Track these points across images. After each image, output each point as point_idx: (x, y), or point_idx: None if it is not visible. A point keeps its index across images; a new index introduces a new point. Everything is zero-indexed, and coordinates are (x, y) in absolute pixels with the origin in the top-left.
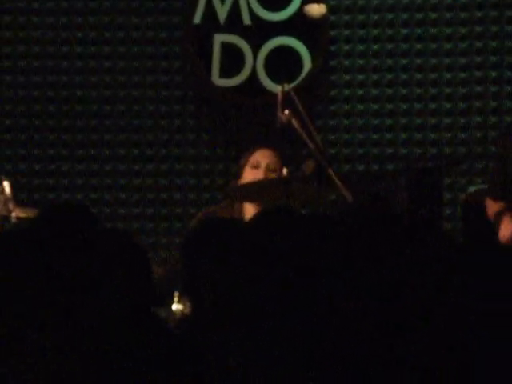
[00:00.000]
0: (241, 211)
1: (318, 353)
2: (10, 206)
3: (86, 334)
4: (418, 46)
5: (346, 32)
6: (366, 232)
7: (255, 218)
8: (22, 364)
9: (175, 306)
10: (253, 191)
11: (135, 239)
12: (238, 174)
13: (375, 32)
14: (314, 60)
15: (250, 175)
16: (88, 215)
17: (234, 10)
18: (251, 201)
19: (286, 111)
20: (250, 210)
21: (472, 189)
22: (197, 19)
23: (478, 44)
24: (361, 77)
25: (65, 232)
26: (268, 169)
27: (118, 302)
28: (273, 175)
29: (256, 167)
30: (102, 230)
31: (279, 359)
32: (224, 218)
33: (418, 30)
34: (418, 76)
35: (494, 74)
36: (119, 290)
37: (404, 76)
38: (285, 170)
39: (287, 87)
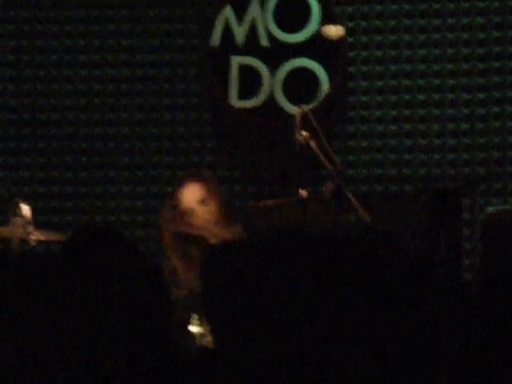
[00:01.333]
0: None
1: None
2: (29, 228)
3: (104, 360)
4: (436, 66)
5: (364, 53)
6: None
7: (273, 238)
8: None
9: (195, 329)
10: (270, 212)
11: (153, 261)
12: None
13: (393, 53)
14: (331, 81)
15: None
16: (118, 239)
17: (252, 32)
18: (268, 222)
19: (304, 132)
20: (239, 231)
21: (491, 209)
22: (214, 41)
23: (496, 64)
24: (379, 98)
25: (95, 257)
26: (198, 202)
27: (131, 324)
28: (207, 206)
29: (185, 212)
30: (119, 253)
31: (298, 378)
32: (243, 239)
33: (436, 51)
34: (436, 97)
35: (511, 93)
36: (133, 312)
37: (421, 96)
38: (303, 192)
39: (305, 108)
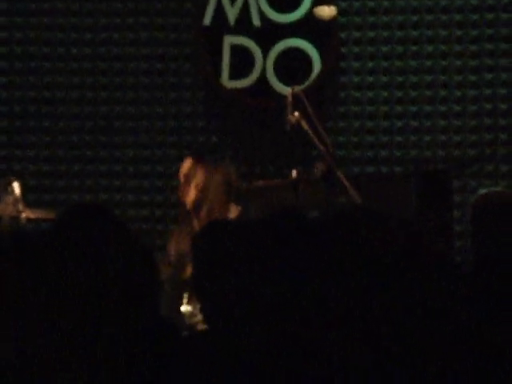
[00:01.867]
0: (224, 212)
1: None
2: (20, 206)
3: (93, 336)
4: (428, 48)
5: (356, 34)
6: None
7: (264, 219)
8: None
9: (184, 308)
10: (261, 193)
11: (143, 240)
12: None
13: (385, 34)
14: (323, 62)
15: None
16: (110, 217)
17: (244, 12)
18: (259, 203)
19: (296, 113)
20: (234, 212)
21: (482, 191)
22: (206, 21)
23: (488, 46)
24: (370, 79)
25: (85, 234)
26: (184, 179)
27: (123, 303)
28: (185, 182)
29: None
30: (107, 231)
31: (287, 359)
32: (232, 220)
33: (428, 32)
34: (428, 78)
35: (504, 76)
36: (125, 292)
37: (413, 78)
38: (294, 173)
39: (297, 89)
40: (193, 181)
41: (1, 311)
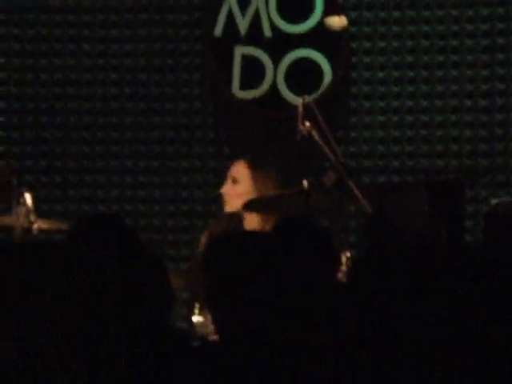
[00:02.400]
0: (242, 222)
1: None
2: (32, 217)
3: (105, 346)
4: (439, 57)
5: (367, 44)
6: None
7: (275, 229)
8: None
9: (196, 318)
10: (273, 203)
11: (154, 250)
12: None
13: (396, 44)
14: (334, 72)
15: (230, 190)
16: (123, 227)
17: (255, 22)
18: (270, 213)
19: (307, 123)
20: (252, 221)
21: (494, 201)
22: (217, 31)
23: (501, 56)
24: (381, 89)
25: (99, 243)
26: (248, 182)
27: (135, 314)
28: (256, 187)
29: (235, 183)
30: (121, 242)
31: (299, 370)
32: (244, 230)
33: (439, 42)
34: (439, 88)
35: None
36: (128, 298)
37: (425, 88)
38: (305, 182)
39: (308, 99)
40: (241, 186)
41: (2, 311)
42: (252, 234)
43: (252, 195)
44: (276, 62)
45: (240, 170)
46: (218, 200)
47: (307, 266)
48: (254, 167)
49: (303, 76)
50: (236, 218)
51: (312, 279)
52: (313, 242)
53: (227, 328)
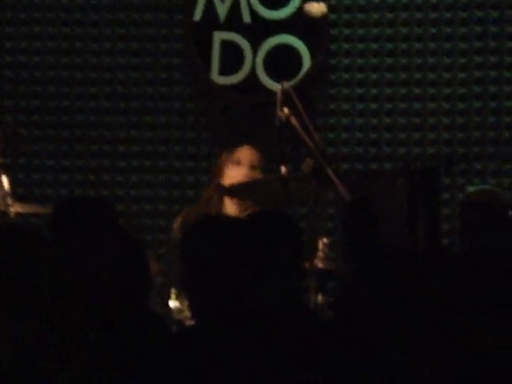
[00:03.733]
0: (220, 208)
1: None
2: (9, 200)
3: (80, 328)
4: (418, 45)
5: (346, 31)
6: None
7: (253, 216)
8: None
9: (172, 303)
10: (251, 189)
11: (133, 235)
12: (219, 172)
13: (375, 31)
14: (313, 58)
15: (232, 171)
16: (108, 210)
17: (234, 8)
18: (248, 199)
19: (285, 109)
20: (230, 207)
21: (471, 189)
22: (197, 16)
23: (478, 44)
24: (360, 76)
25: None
26: (251, 166)
27: (112, 296)
28: (255, 173)
29: (238, 163)
30: (98, 227)
31: (277, 358)
32: (219, 215)
33: (418, 30)
34: (417, 75)
35: (492, 73)
36: (114, 285)
37: (403, 75)
38: (283, 169)
39: (286, 85)
40: (244, 170)
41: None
42: (227, 219)
43: (249, 177)
44: (255, 48)
45: (244, 155)
46: (195, 186)
47: (277, 253)
48: (257, 152)
49: (282, 62)
50: (213, 203)
51: (282, 265)
52: (284, 231)
53: (203, 314)
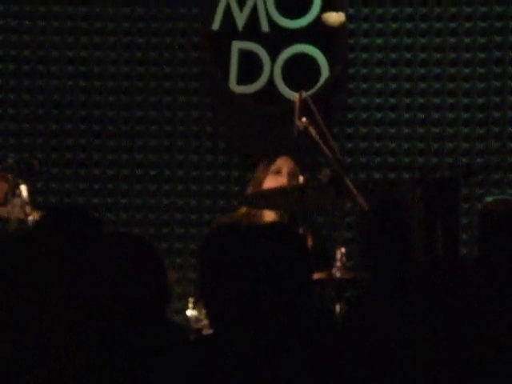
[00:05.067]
0: (260, 218)
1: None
2: (27, 209)
3: (104, 341)
4: (436, 55)
5: (364, 40)
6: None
7: (269, 226)
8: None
9: (190, 312)
10: (268, 199)
11: (151, 244)
12: (258, 182)
13: (393, 41)
14: (331, 68)
15: (272, 181)
16: (90, 219)
17: (253, 17)
18: (267, 208)
19: (303, 119)
20: (269, 217)
21: (489, 199)
22: (215, 26)
23: (497, 54)
24: (378, 85)
25: (67, 235)
26: (290, 175)
27: (130, 305)
28: (295, 181)
29: (278, 173)
30: (116, 234)
31: (293, 367)
32: (240, 225)
33: (437, 40)
34: (436, 85)
35: (511, 83)
36: (132, 294)
37: (422, 85)
38: (301, 178)
39: (305, 95)
40: (284, 179)
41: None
42: (243, 227)
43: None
44: (273, 57)
45: (284, 164)
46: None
47: (300, 265)
48: (293, 162)
49: (300, 71)
50: (252, 215)
51: (291, 278)
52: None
53: (221, 322)
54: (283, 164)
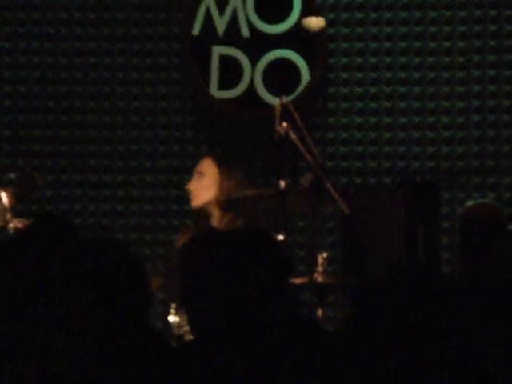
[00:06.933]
0: (208, 217)
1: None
2: (8, 216)
3: (85, 346)
4: (416, 59)
5: (344, 45)
6: None
7: (247, 231)
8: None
9: (172, 318)
10: (250, 204)
11: (132, 250)
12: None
13: (373, 45)
14: (312, 72)
15: (195, 183)
16: (66, 226)
17: (233, 23)
18: (247, 212)
19: (284, 124)
20: (217, 218)
21: (470, 203)
22: (195, 31)
23: (477, 58)
24: (359, 90)
25: (50, 243)
26: (214, 177)
27: (112, 311)
28: (217, 184)
29: (201, 174)
30: (93, 239)
31: (277, 372)
32: (221, 231)
33: (417, 44)
34: (416, 89)
35: (491, 88)
36: (113, 300)
37: (402, 89)
38: (282, 183)
39: (285, 99)
40: (207, 180)
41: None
42: (224, 233)
43: (215, 188)
44: (254, 62)
45: (207, 166)
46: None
47: (280, 271)
48: (220, 164)
49: (281, 76)
50: (203, 212)
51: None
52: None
53: (202, 328)
54: (207, 166)
